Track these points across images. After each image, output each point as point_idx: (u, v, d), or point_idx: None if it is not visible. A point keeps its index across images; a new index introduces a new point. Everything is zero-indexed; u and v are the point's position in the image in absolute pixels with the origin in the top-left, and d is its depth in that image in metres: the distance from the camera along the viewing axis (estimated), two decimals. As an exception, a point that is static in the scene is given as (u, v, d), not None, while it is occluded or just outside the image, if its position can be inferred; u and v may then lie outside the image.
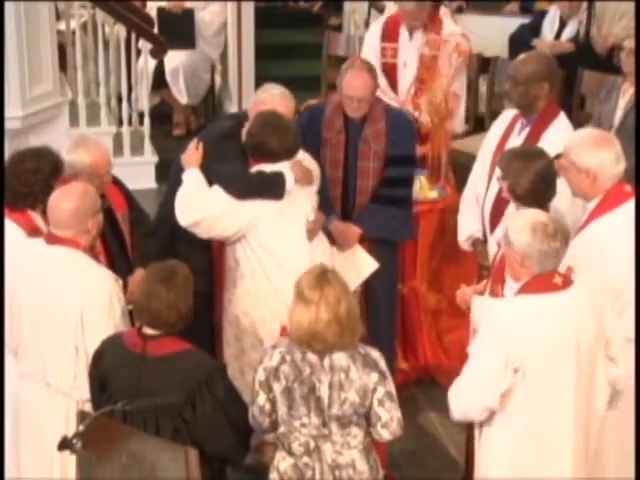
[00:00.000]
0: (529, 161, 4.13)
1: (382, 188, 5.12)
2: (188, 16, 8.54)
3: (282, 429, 3.68)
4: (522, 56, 4.87)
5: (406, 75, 6.08)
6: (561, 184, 4.16)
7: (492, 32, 8.19)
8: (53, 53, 7.08)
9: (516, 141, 4.77)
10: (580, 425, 3.67)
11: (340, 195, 5.15)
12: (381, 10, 8.59)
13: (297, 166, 4.55)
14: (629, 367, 3.85)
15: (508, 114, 4.98)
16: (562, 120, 4.80)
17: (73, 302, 3.87)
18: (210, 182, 4.58)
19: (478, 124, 7.77)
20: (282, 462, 3.71)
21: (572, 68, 7.33)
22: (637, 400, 3.95)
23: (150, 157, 7.79)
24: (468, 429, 4.32)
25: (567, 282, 3.64)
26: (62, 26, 7.83)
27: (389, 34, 6.21)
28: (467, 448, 4.50)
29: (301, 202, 4.59)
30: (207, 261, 4.89)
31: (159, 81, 8.49)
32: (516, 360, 3.55)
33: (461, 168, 5.91)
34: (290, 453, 3.68)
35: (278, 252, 4.54)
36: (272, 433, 3.78)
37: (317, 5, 10.71)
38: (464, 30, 6.22)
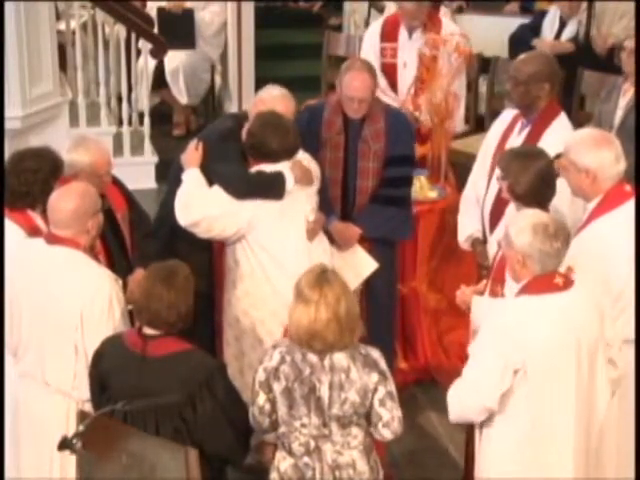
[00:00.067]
0: (529, 161, 4.13)
1: (381, 188, 5.12)
2: (188, 16, 8.55)
3: (282, 429, 3.68)
4: (523, 56, 4.87)
5: (406, 75, 6.09)
6: (561, 184, 4.16)
7: (492, 32, 8.19)
8: (53, 53, 7.09)
9: (516, 141, 4.76)
10: (581, 425, 3.67)
11: (340, 195, 5.15)
12: (381, 10, 8.60)
13: (297, 166, 4.55)
14: (629, 367, 3.85)
15: (508, 114, 4.98)
16: (562, 120, 4.80)
17: (73, 302, 3.87)
18: (210, 182, 4.58)
19: (478, 124, 7.77)
20: (282, 462, 3.71)
21: (572, 68, 7.33)
22: (637, 400, 3.95)
23: (150, 157, 7.80)
24: (468, 429, 4.32)
25: (568, 282, 3.63)
26: (62, 26, 7.84)
27: (388, 34, 6.22)
28: (467, 448, 4.50)
29: (301, 202, 4.59)
30: (207, 261, 4.89)
31: (159, 81, 8.50)
32: (517, 361, 3.54)
33: (461, 168, 5.91)
34: (290, 453, 3.68)
35: (278, 252, 4.54)
36: (272, 433, 3.78)
37: (317, 5, 10.71)
38: (464, 30, 6.22)
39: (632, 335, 3.90)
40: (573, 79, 7.48)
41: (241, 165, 4.60)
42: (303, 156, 4.66)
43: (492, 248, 4.60)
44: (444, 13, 7.00)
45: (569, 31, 7.98)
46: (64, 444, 3.36)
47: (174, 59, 8.44)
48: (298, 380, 3.58)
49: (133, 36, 7.77)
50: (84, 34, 8.08)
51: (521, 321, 3.57)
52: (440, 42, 5.83)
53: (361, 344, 3.65)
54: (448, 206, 5.70)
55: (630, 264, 3.91)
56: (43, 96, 7.03)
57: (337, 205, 5.13)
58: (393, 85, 6.14)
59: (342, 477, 3.66)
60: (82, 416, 3.57)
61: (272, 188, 4.51)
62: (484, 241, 4.92)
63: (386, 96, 5.91)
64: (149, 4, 8.63)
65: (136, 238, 4.69)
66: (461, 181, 5.43)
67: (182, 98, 8.63)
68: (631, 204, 4.03)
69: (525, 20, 8.28)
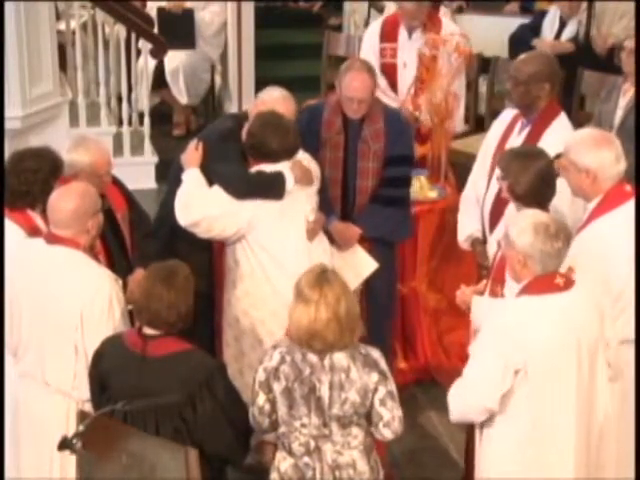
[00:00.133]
0: (529, 161, 4.13)
1: (381, 188, 5.12)
2: (188, 16, 8.55)
3: (282, 429, 3.68)
4: (523, 56, 4.87)
5: (406, 75, 6.08)
6: (561, 184, 4.16)
7: (492, 32, 8.19)
8: (53, 53, 7.09)
9: (516, 141, 4.76)
10: (582, 425, 3.67)
11: (340, 195, 5.15)
12: (381, 10, 8.60)
13: (297, 166, 4.55)
14: (629, 367, 3.85)
15: (508, 114, 4.98)
16: (562, 120, 4.80)
17: (73, 302, 3.87)
18: (210, 182, 4.58)
19: (478, 124, 7.76)
20: (282, 462, 3.71)
21: (572, 68, 7.33)
22: (637, 400, 3.95)
23: (150, 157, 7.80)
24: (468, 429, 4.32)
25: (569, 283, 3.63)
26: (62, 26, 7.84)
27: (388, 34, 6.21)
28: (467, 448, 4.50)
29: (301, 202, 4.59)
30: (207, 261, 4.89)
31: (159, 81, 8.50)
32: (517, 361, 3.54)
33: (461, 168, 5.90)
34: (290, 453, 3.68)
35: (278, 252, 4.54)
36: (272, 433, 3.78)
37: (317, 5, 10.71)
38: (464, 30, 6.22)
39: (632, 335, 3.90)
40: (573, 79, 7.47)
41: (241, 165, 4.60)
42: (303, 156, 4.66)
43: (492, 248, 4.59)
44: (444, 13, 7.00)
45: (569, 31, 7.98)
46: (64, 444, 3.36)
47: (174, 59, 8.44)
48: (298, 380, 3.58)
49: (133, 36, 7.76)
50: (84, 34, 8.08)
51: (522, 321, 3.57)
52: (440, 42, 5.82)
53: (361, 344, 3.65)
54: (448, 206, 5.70)
55: (630, 264, 3.91)
56: (43, 96, 7.03)
57: (337, 205, 5.14)
58: (393, 85, 6.14)
59: (342, 477, 3.66)
60: (82, 416, 3.57)
61: (272, 188, 4.50)
62: (484, 241, 4.92)
63: (386, 96, 5.90)
64: (149, 4, 8.63)
65: (136, 238, 4.69)
66: (461, 181, 5.43)
67: (182, 98, 8.63)
68: (631, 204, 4.02)
69: (525, 20, 8.28)
